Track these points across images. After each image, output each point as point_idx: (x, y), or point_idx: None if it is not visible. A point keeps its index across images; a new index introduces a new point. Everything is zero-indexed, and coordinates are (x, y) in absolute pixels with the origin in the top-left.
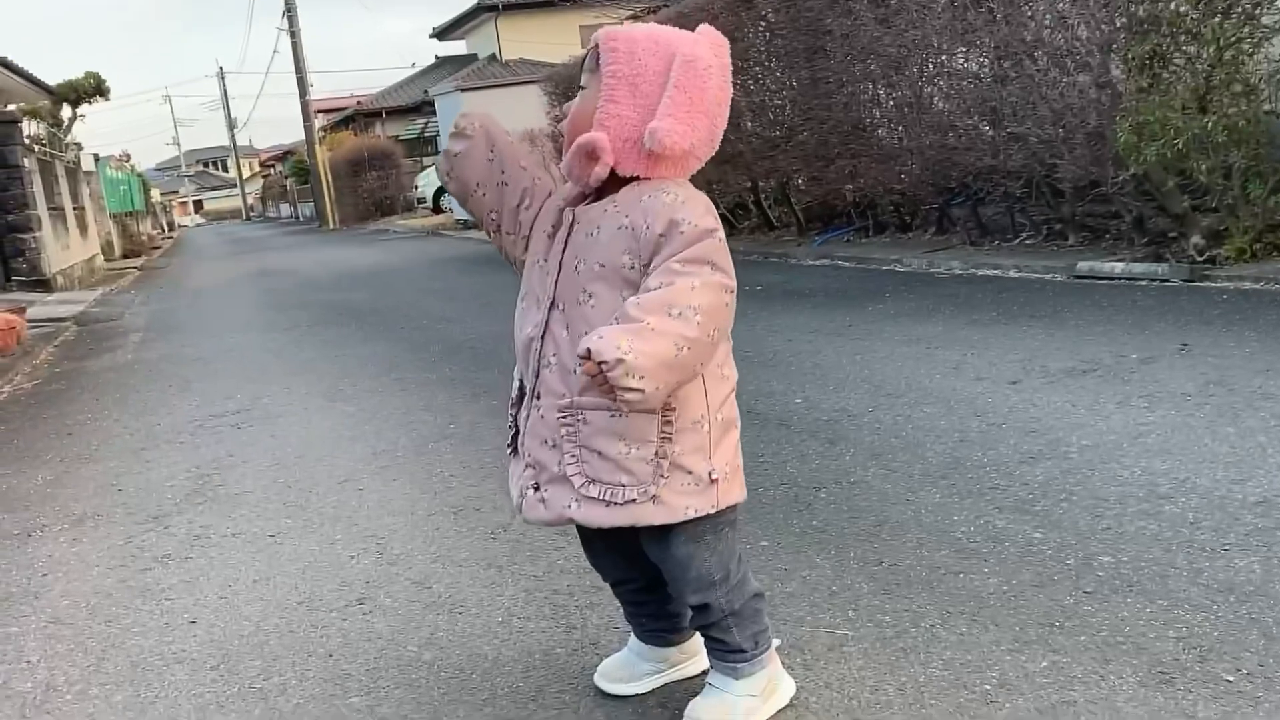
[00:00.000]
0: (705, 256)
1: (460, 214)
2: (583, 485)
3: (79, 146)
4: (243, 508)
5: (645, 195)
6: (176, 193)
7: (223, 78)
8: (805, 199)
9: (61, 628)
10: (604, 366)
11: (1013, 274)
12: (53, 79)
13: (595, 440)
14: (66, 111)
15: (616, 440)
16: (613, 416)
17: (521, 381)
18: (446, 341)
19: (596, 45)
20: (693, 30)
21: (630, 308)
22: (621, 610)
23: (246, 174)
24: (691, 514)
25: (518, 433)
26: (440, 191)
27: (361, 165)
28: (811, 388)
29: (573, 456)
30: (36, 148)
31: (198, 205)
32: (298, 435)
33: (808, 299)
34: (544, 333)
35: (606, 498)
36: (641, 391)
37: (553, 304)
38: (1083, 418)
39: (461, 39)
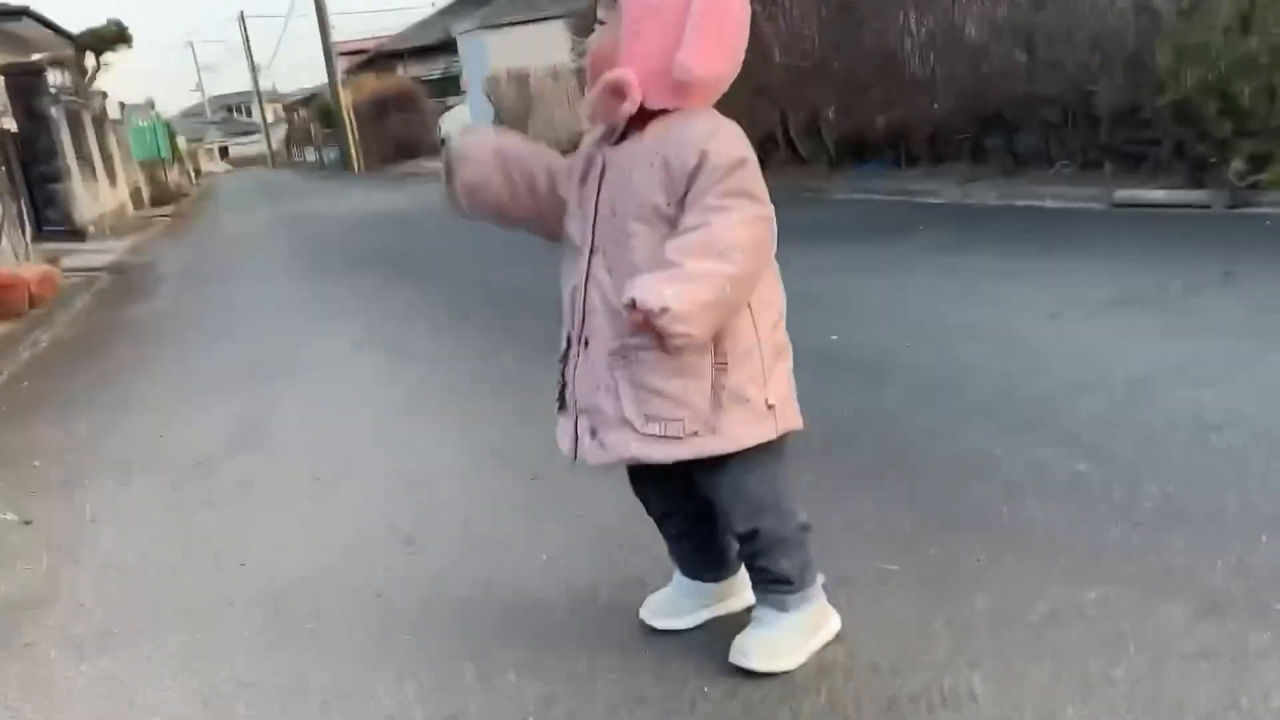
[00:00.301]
0: (740, 188)
1: None
2: (642, 424)
3: (104, 95)
4: (285, 453)
5: (674, 128)
6: (202, 139)
7: (244, 22)
8: (836, 131)
9: (114, 572)
10: (649, 315)
11: (1050, 204)
12: (70, 25)
13: (650, 379)
14: (90, 60)
15: (672, 376)
16: (664, 354)
17: (569, 335)
18: (478, 286)
19: None
20: None
21: (671, 251)
22: (666, 548)
23: (271, 119)
24: (751, 442)
25: (565, 386)
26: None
27: (385, 107)
28: (849, 324)
29: (630, 397)
30: (63, 97)
31: (223, 151)
32: (335, 381)
33: (841, 233)
34: (586, 279)
35: (667, 433)
36: (690, 335)
37: (592, 249)
38: (1127, 349)
39: None
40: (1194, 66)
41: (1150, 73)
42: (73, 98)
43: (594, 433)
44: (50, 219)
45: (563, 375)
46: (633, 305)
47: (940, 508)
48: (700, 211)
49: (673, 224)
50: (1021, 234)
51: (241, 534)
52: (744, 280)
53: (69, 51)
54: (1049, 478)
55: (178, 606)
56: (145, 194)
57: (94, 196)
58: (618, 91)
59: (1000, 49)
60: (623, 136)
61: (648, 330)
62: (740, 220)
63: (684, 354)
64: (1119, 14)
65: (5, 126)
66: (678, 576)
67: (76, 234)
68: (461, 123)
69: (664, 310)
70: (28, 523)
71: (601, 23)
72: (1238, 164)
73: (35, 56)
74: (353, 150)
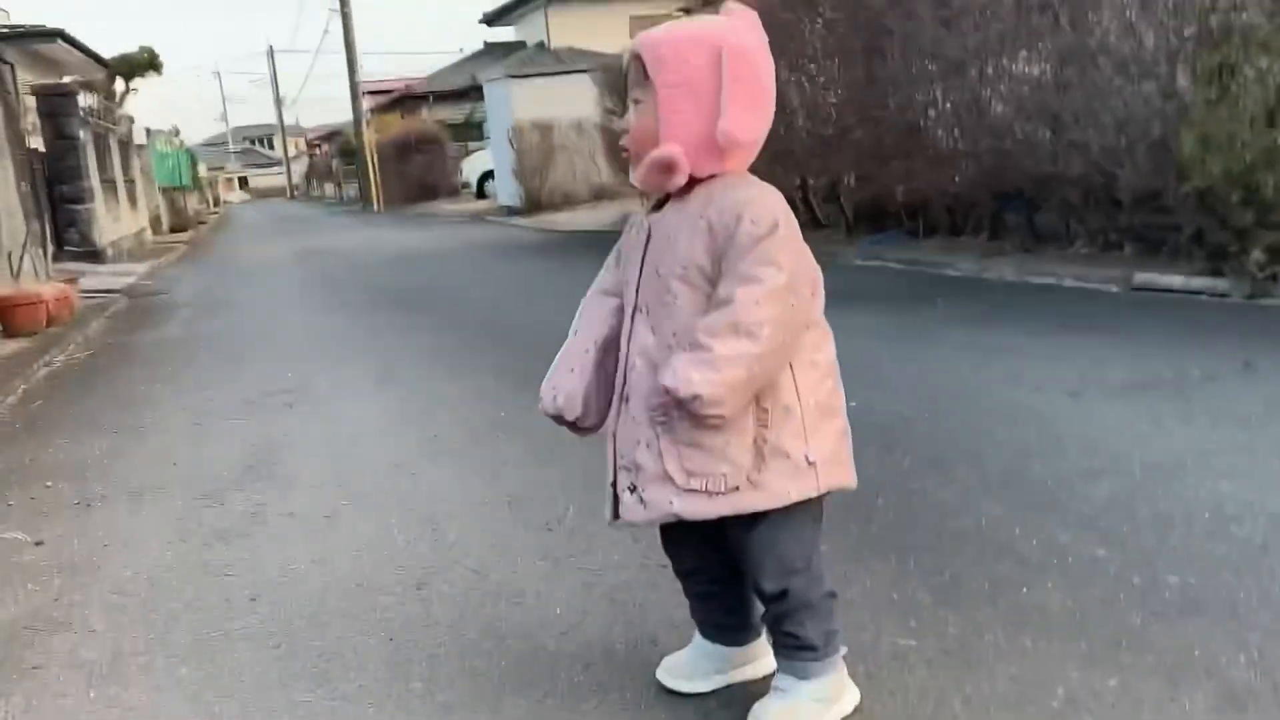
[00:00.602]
0: (770, 257)
1: (505, 200)
2: (684, 480)
3: (131, 120)
4: (297, 488)
5: (718, 193)
6: (223, 169)
7: (272, 56)
8: (855, 199)
9: (124, 598)
10: (681, 402)
11: (1068, 283)
12: (102, 49)
13: (691, 433)
14: (119, 85)
15: (713, 432)
16: None
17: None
18: (494, 329)
19: (639, 55)
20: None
21: (700, 333)
22: (687, 607)
23: (292, 153)
24: (793, 497)
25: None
26: (485, 177)
27: (408, 148)
28: (866, 392)
29: (671, 453)
30: (91, 120)
31: (243, 182)
32: (349, 418)
33: (858, 300)
34: (630, 337)
35: (708, 488)
36: (722, 415)
37: (636, 308)
38: (1145, 434)
39: (511, 25)
40: (1218, 155)
41: (1174, 159)
42: (100, 121)
43: (633, 489)
44: (70, 239)
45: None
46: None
47: (958, 583)
48: (731, 281)
49: (714, 284)
50: (1040, 311)
51: (253, 567)
52: (773, 354)
53: (99, 75)
54: (1067, 560)
55: (188, 637)
56: (165, 220)
57: (115, 220)
58: (667, 167)
59: (1025, 127)
60: (661, 201)
61: (681, 413)
62: (767, 294)
63: (721, 428)
64: (1145, 99)
65: (33, 145)
66: (697, 638)
67: (95, 255)
68: (482, 168)
69: (695, 398)
70: (39, 543)
71: (637, 101)
72: (1258, 254)
73: (66, 78)
74: (373, 188)
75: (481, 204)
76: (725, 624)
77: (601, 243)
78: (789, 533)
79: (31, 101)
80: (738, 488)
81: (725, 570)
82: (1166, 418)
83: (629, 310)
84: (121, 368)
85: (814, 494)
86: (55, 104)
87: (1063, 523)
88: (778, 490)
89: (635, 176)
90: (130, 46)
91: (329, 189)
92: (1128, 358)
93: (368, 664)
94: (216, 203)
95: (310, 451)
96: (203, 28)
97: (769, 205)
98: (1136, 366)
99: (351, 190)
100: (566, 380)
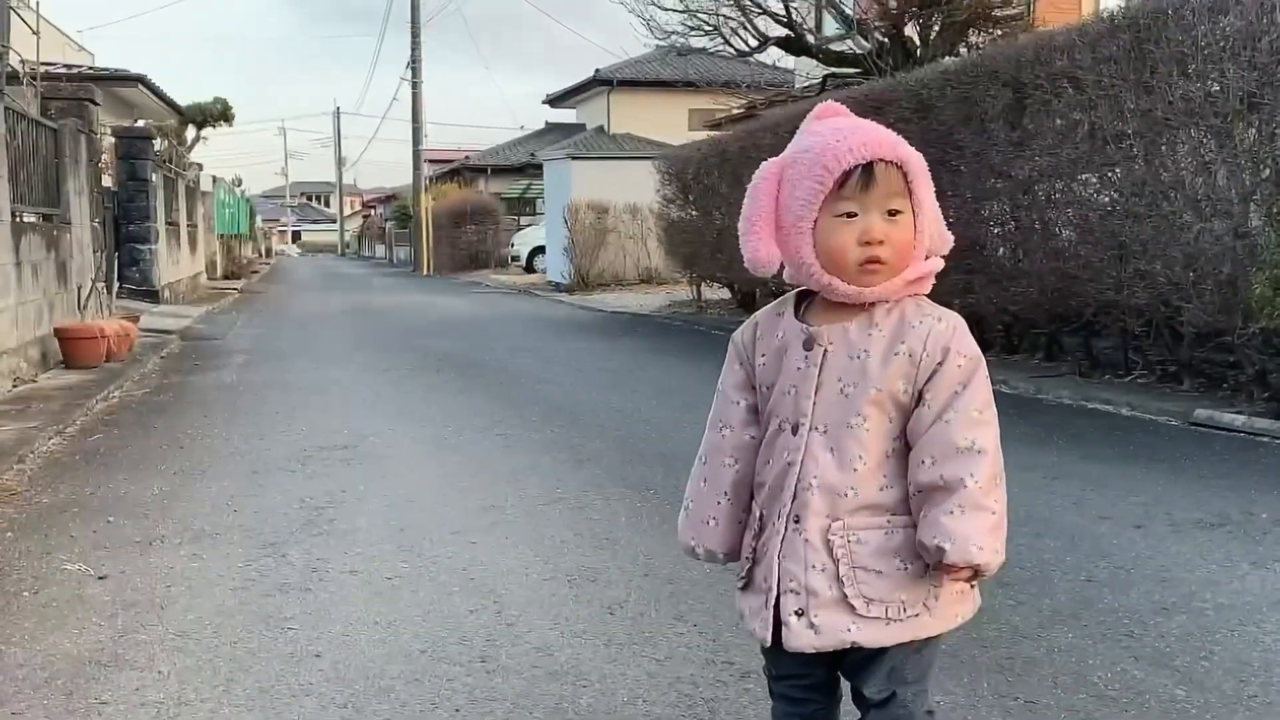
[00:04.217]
0: (990, 398)
1: (553, 275)
2: (864, 607)
3: (199, 167)
4: (358, 545)
5: (911, 320)
6: (278, 221)
7: (338, 117)
8: None
9: (188, 642)
10: (983, 572)
11: (1125, 412)
12: (175, 96)
13: (871, 560)
14: (190, 132)
15: (892, 557)
16: (887, 535)
17: (763, 514)
18: (546, 403)
19: (901, 165)
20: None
21: (975, 492)
22: (756, 708)
23: (347, 212)
24: (960, 620)
25: (754, 564)
26: (534, 252)
27: (462, 217)
28: None
29: (849, 579)
30: (163, 165)
31: (295, 235)
32: (406, 479)
33: None
34: (803, 457)
35: (888, 615)
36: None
37: (812, 427)
38: (1215, 574)
39: (573, 108)
40: None
41: (1242, 298)
42: (171, 166)
43: (801, 613)
44: (130, 278)
45: (754, 553)
46: (941, 559)
47: (1033, 711)
48: (965, 424)
49: (904, 412)
50: (1100, 438)
51: (315, 623)
52: None
53: (172, 121)
54: (1144, 696)
55: (253, 687)
56: (219, 266)
57: (174, 262)
58: (924, 280)
59: (1090, 252)
60: (799, 301)
61: (960, 578)
62: (997, 436)
63: (906, 529)
64: (1216, 237)
65: (105, 184)
66: None
67: (153, 295)
68: (534, 243)
69: (999, 566)
70: (103, 578)
71: (895, 212)
72: None
73: (140, 122)
74: (425, 252)
75: (529, 277)
76: None
77: (646, 325)
78: (914, 650)
79: (108, 141)
80: (917, 614)
81: (825, 679)
82: (1237, 559)
83: (803, 428)
84: (177, 409)
85: (970, 616)
86: (132, 146)
87: (1137, 657)
88: (948, 615)
89: (880, 289)
90: (202, 96)
91: (380, 250)
92: (1192, 494)
93: None
94: (268, 253)
95: (369, 510)
96: (274, 85)
97: (970, 338)
98: (1202, 504)
99: (402, 252)
100: (706, 534)
